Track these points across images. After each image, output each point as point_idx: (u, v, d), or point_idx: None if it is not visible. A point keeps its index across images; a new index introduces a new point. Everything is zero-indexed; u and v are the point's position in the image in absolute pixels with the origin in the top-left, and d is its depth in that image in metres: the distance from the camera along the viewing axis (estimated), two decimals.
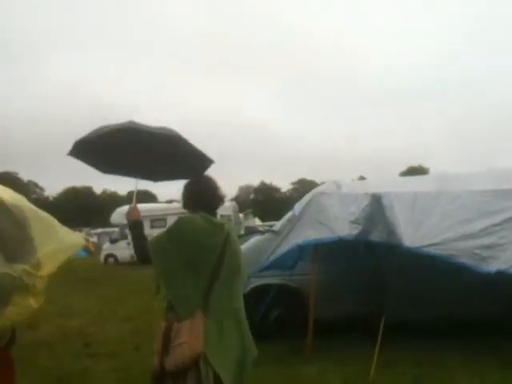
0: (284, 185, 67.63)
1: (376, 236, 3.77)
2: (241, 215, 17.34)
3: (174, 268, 1.77)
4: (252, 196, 65.71)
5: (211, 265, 1.76)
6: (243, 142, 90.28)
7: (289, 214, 4.46)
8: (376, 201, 3.82)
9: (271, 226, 5.56)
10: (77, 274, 11.92)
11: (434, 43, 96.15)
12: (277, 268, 4.23)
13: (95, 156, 2.04)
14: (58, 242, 1.80)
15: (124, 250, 15.24)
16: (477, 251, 3.31)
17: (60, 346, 4.56)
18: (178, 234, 1.79)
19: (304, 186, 49.94)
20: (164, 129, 1.93)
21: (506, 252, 3.27)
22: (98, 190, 62.27)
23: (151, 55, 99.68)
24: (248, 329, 1.88)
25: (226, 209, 14.56)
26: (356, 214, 3.84)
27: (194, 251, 1.76)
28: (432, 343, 4.03)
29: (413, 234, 3.51)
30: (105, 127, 1.90)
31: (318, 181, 41.26)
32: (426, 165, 48.17)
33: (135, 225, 1.91)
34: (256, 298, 4.37)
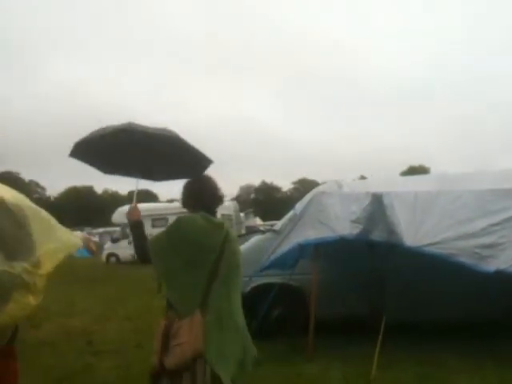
0: (285, 184, 67.74)
1: (377, 235, 3.78)
2: (242, 215, 17.36)
3: (173, 267, 1.79)
4: (253, 195, 65.73)
5: (210, 264, 1.77)
6: (244, 142, 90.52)
7: (290, 214, 4.47)
8: (377, 200, 3.83)
9: (272, 226, 5.58)
10: (79, 273, 11.98)
11: (433, 43, 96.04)
12: (278, 267, 4.25)
13: (96, 157, 2.06)
14: (58, 241, 1.82)
15: (125, 250, 15.28)
16: (477, 250, 3.32)
17: (63, 344, 4.58)
18: (177, 233, 1.81)
19: (305, 186, 49.92)
20: (163, 129, 1.94)
21: (505, 251, 3.28)
22: (98, 189, 62.52)
23: (151, 55, 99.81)
24: (246, 328, 1.89)
25: (227, 208, 14.59)
26: (357, 213, 3.85)
27: (193, 250, 1.78)
28: (432, 343, 4.04)
29: (413, 234, 3.53)
30: (104, 128, 1.93)
31: (318, 180, 41.24)
32: (426, 164, 48.11)
33: (136, 224, 1.93)
34: (257, 297, 4.39)
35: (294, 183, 64.78)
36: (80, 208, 53.74)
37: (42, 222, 1.76)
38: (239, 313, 1.89)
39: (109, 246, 17.37)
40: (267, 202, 57.28)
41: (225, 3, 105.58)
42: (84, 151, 1.98)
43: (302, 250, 4.08)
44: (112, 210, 16.94)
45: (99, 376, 3.56)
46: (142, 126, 1.91)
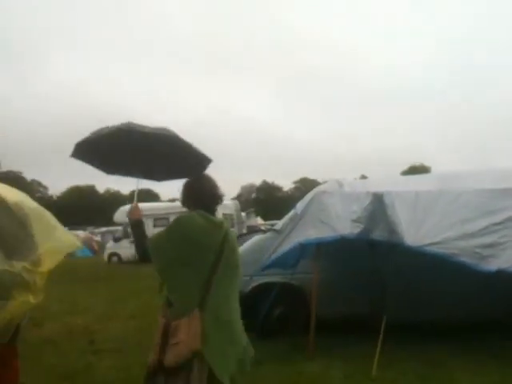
0: (286, 184, 67.73)
1: (377, 235, 3.79)
2: (243, 214, 17.37)
3: (172, 266, 1.81)
4: (254, 195, 65.73)
5: (209, 263, 1.79)
6: (245, 142, 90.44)
7: (291, 213, 4.48)
8: (378, 200, 3.83)
9: (273, 225, 5.59)
10: (81, 272, 12.03)
11: (433, 43, 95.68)
12: (279, 267, 4.25)
13: (97, 157, 2.08)
14: (58, 240, 1.84)
15: (127, 249, 15.31)
16: (478, 250, 3.32)
17: (65, 343, 4.61)
18: (177, 232, 1.82)
19: (306, 185, 49.86)
20: (162, 129, 1.96)
21: (506, 251, 3.28)
22: (100, 188, 62.61)
23: (151, 55, 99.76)
24: (243, 328, 1.90)
25: (229, 208, 14.60)
26: (358, 212, 3.86)
27: (192, 249, 1.79)
28: (433, 343, 4.04)
29: (414, 233, 3.53)
30: (104, 129, 1.94)
31: (319, 180, 41.20)
32: (427, 164, 48.00)
33: (136, 224, 1.95)
34: (259, 296, 4.40)
35: (295, 182, 64.76)
36: (82, 207, 53.85)
37: (43, 222, 1.78)
38: (237, 312, 1.90)
39: (111, 246, 17.40)
40: (268, 201, 57.27)
41: (225, 3, 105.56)
42: (85, 151, 1.99)
43: (303, 249, 4.08)
44: (114, 210, 16.97)
45: (101, 375, 3.58)
46: (142, 126, 1.92)
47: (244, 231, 13.15)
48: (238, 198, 43.41)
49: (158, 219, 14.18)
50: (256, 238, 4.82)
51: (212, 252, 1.80)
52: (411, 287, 4.07)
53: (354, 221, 3.83)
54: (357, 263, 4.22)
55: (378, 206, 3.81)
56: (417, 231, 3.54)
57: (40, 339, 4.65)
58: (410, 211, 3.67)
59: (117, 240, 16.90)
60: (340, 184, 4.34)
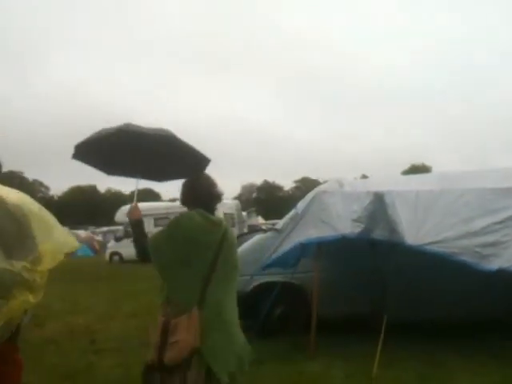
0: (287, 183, 67.77)
1: (378, 234, 3.79)
2: (244, 214, 17.38)
3: (171, 264, 1.82)
4: (255, 195, 65.80)
5: (208, 261, 1.80)
6: (246, 142, 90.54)
7: (291, 213, 4.48)
8: (378, 199, 3.83)
9: (274, 225, 5.60)
10: (83, 272, 12.07)
11: (433, 43, 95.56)
12: (279, 266, 4.26)
13: (97, 158, 2.09)
14: (57, 240, 1.87)
15: (129, 248, 15.27)
16: (478, 249, 3.32)
17: (67, 343, 4.62)
18: (176, 230, 1.84)
19: (307, 185, 49.84)
20: (161, 130, 1.97)
21: (508, 250, 3.28)
22: (102, 188, 62.75)
23: (151, 55, 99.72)
24: (239, 327, 1.91)
25: (230, 207, 14.62)
26: (358, 212, 3.86)
27: (191, 248, 1.80)
28: (433, 342, 4.04)
29: (415, 232, 3.53)
30: (102, 130, 1.95)
31: (320, 179, 41.19)
32: (428, 163, 47.94)
33: (136, 223, 1.97)
34: (260, 295, 4.41)
35: (296, 182, 64.75)
36: (83, 207, 53.98)
37: (43, 222, 1.81)
38: (236, 311, 1.91)
39: (112, 245, 17.43)
40: (269, 200, 57.31)
41: (225, 3, 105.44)
42: (85, 153, 2.01)
43: (304, 248, 4.09)
44: (115, 209, 17.01)
45: (102, 374, 3.59)
46: (140, 127, 1.93)
47: (245, 231, 13.15)
48: (239, 197, 43.44)
49: (158, 219, 14.19)
50: (257, 238, 4.83)
51: (211, 250, 1.82)
52: (412, 286, 4.07)
53: (355, 220, 3.83)
54: (357, 263, 4.22)
55: (378, 205, 3.81)
56: (417, 231, 3.54)
57: (41, 339, 4.67)
58: (411, 211, 3.67)
59: (118, 239, 16.92)
60: (341, 184, 4.35)
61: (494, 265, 3.23)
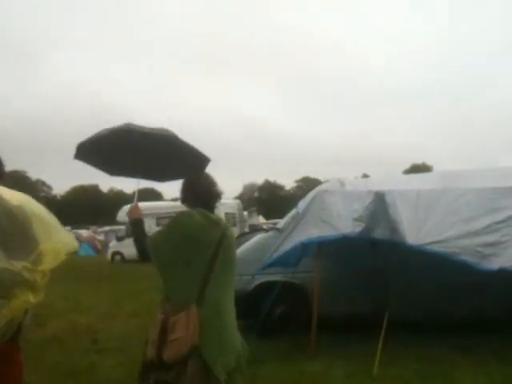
0: (288, 183, 67.70)
1: (379, 234, 3.79)
2: (245, 213, 17.38)
3: (171, 263, 1.84)
4: (256, 194, 65.81)
5: (207, 259, 1.82)
6: (247, 142, 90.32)
7: (292, 212, 4.48)
8: (379, 198, 3.83)
9: (275, 224, 5.60)
10: (85, 271, 12.11)
11: (434, 43, 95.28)
12: (280, 265, 4.27)
13: (99, 158, 2.10)
14: (58, 240, 1.88)
15: (130, 248, 15.21)
16: (479, 249, 3.32)
17: (68, 342, 4.64)
18: (175, 229, 1.86)
19: (308, 184, 49.79)
20: (161, 130, 1.97)
21: (508, 249, 3.28)
22: (104, 188, 62.90)
23: (151, 55, 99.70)
24: (237, 328, 1.92)
25: (231, 207, 14.62)
26: (359, 211, 3.86)
27: (190, 246, 1.82)
28: (434, 341, 4.03)
29: (416, 232, 3.53)
30: (102, 131, 1.96)
31: (321, 179, 41.14)
32: (428, 162, 47.81)
33: (136, 222, 1.99)
34: (261, 295, 4.41)
35: (297, 181, 64.73)
36: (86, 206, 54.13)
37: (44, 223, 1.83)
38: (233, 309, 1.93)
39: (114, 245, 17.47)
40: (270, 200, 57.29)
41: (225, 3, 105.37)
42: (86, 152, 2.01)
43: (305, 248, 4.09)
44: (117, 209, 17.04)
45: (104, 374, 3.61)
46: (140, 126, 1.94)
47: (246, 230, 13.16)
48: (241, 197, 43.43)
49: (160, 218, 14.22)
50: (258, 237, 4.83)
51: (210, 249, 1.83)
52: (413, 286, 4.07)
53: (356, 219, 3.83)
54: (358, 262, 4.22)
55: (379, 204, 3.81)
56: (418, 230, 3.54)
57: (44, 338, 4.69)
58: (412, 210, 3.67)
59: (120, 239, 16.97)
60: (342, 183, 4.35)
61: (495, 264, 3.22)
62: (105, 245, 22.62)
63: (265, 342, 4.10)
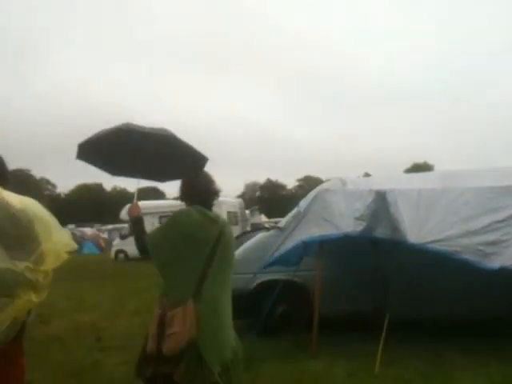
0: (290, 182, 67.60)
1: (380, 232, 3.79)
2: (247, 212, 17.40)
3: (170, 261, 1.87)
4: (258, 193, 65.84)
5: (205, 256, 1.85)
6: (248, 142, 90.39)
7: (294, 211, 4.49)
8: (380, 197, 3.83)
9: (277, 223, 5.61)
10: (88, 269, 12.18)
11: (434, 43, 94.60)
12: (281, 264, 4.28)
13: (99, 158, 2.11)
14: (58, 241, 1.93)
15: (134, 246, 15.10)
16: (480, 248, 3.32)
17: (72, 340, 4.66)
18: (174, 226, 1.89)
19: (309, 183, 49.69)
20: (160, 129, 1.98)
21: (509, 248, 3.28)
22: (108, 186, 63.13)
23: (151, 55, 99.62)
24: (232, 328, 1.95)
25: (233, 206, 14.65)
26: (361, 210, 3.86)
27: (188, 244, 1.85)
28: (435, 340, 4.03)
29: (417, 231, 3.53)
30: (102, 131, 1.98)
31: (323, 178, 41.03)
32: (430, 162, 47.57)
33: (136, 220, 2.01)
34: (262, 293, 4.43)
35: (299, 181, 64.62)
36: (89, 205, 54.39)
37: (45, 224, 1.87)
38: (230, 310, 1.95)
39: (117, 243, 17.56)
40: (272, 199, 57.28)
41: (225, 3, 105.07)
42: (87, 152, 2.03)
43: (306, 247, 4.10)
44: (121, 207, 17.10)
45: (108, 372, 3.63)
46: (140, 126, 1.95)
47: (248, 229, 13.18)
48: (243, 195, 43.48)
49: (163, 217, 14.27)
50: (260, 236, 4.84)
51: (208, 246, 1.86)
52: (414, 285, 4.07)
53: (357, 219, 3.83)
54: (359, 261, 4.23)
55: (380, 203, 3.81)
56: (419, 229, 3.54)
57: (47, 336, 4.71)
58: (413, 209, 3.67)
59: (123, 237, 17.03)
60: (343, 182, 4.34)
61: (496, 263, 3.22)
62: (108, 243, 22.75)
63: (266, 340, 4.12)
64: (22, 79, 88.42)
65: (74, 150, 2.04)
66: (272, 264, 4.24)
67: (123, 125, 1.94)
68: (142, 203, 14.57)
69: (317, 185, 4.83)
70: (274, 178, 66.17)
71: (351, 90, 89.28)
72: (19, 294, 1.70)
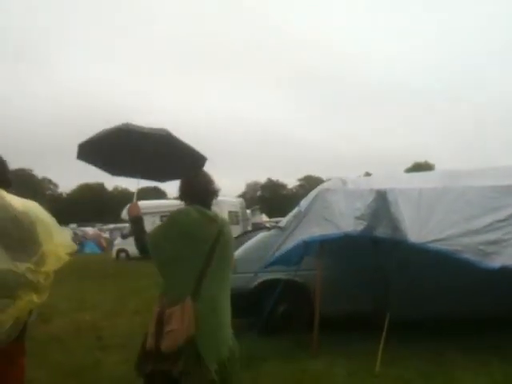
0: (290, 181, 67.62)
1: (381, 232, 3.79)
2: (248, 211, 17.41)
3: (170, 261, 1.87)
4: (259, 193, 65.88)
5: (204, 254, 1.86)
6: (250, 141, 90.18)
7: (295, 211, 4.49)
8: (381, 197, 3.83)
9: (278, 222, 5.61)
10: (89, 269, 12.21)
11: (434, 43, 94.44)
12: (282, 264, 4.28)
13: (100, 158, 2.12)
14: (59, 242, 1.94)
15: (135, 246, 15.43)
16: (481, 247, 3.32)
17: (73, 339, 4.67)
18: (173, 225, 1.90)
19: (310, 183, 49.69)
20: (159, 129, 1.99)
21: (510, 248, 3.27)
22: (109, 186, 63.25)
23: (151, 55, 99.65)
24: (230, 328, 1.96)
25: (234, 205, 14.67)
26: (361, 210, 3.86)
27: (187, 243, 1.85)
28: (436, 340, 4.03)
29: (418, 230, 3.52)
30: (102, 131, 1.98)
31: (323, 177, 41.01)
32: (431, 161, 47.48)
33: (135, 220, 2.02)
34: (263, 292, 4.43)
35: (300, 180, 64.62)
36: (91, 204, 54.53)
37: (46, 226, 1.89)
38: (229, 310, 1.96)
39: (119, 242, 17.61)
40: (273, 198, 57.33)
41: (225, 3, 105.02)
42: (88, 152, 2.04)
43: (307, 246, 4.10)
44: (122, 207, 17.12)
45: (108, 371, 3.63)
46: (139, 127, 1.95)
47: (249, 228, 13.19)
48: (244, 195, 43.50)
49: (164, 216, 14.28)
50: (261, 236, 4.85)
51: (206, 244, 1.87)
52: (414, 284, 4.07)
53: (358, 218, 3.83)
54: (360, 260, 4.23)
55: (381, 203, 3.81)
56: (420, 228, 3.54)
57: (48, 336, 4.72)
58: (414, 208, 3.66)
59: (125, 237, 17.09)
60: (343, 181, 4.34)
61: (497, 262, 3.22)
62: (110, 242, 22.82)
63: (267, 339, 4.12)
64: (21, 79, 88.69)
65: (75, 150, 2.05)
66: (273, 263, 4.24)
67: (123, 125, 1.95)
68: (143, 203, 14.64)
69: (317, 184, 4.83)
70: (274, 178, 66.28)
71: (351, 89, 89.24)
72: (20, 294, 1.72)
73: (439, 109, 79.30)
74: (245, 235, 5.83)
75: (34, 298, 1.78)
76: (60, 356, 4.03)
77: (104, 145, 2.00)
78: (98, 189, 60.58)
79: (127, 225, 18.08)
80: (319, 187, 4.44)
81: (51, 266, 1.85)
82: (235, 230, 10.55)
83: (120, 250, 17.17)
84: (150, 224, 2.08)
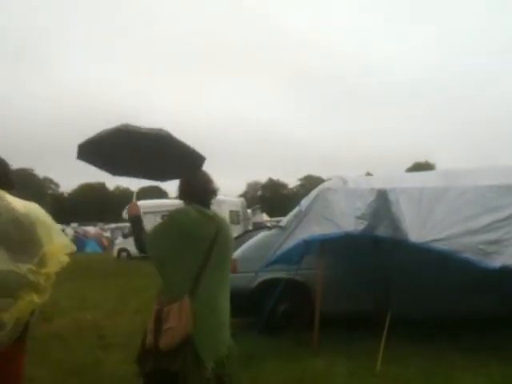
0: (291, 181, 67.60)
1: (382, 231, 3.80)
2: (249, 211, 17.44)
3: (169, 260, 1.88)
4: (260, 192, 65.90)
5: (202, 253, 1.87)
6: (250, 141, 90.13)
7: (295, 210, 4.50)
8: (382, 196, 3.83)
9: (278, 222, 5.62)
10: (91, 268, 12.25)
11: (434, 43, 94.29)
12: (283, 263, 4.29)
13: (100, 158, 2.13)
14: (59, 243, 1.97)
15: None
16: (482, 247, 3.32)
17: (74, 338, 4.68)
18: (171, 226, 1.91)
19: (311, 182, 49.61)
20: (157, 129, 1.99)
21: (510, 247, 3.28)
22: (110, 185, 63.32)
23: (151, 55, 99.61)
24: (229, 328, 1.97)
25: (235, 205, 14.69)
26: (362, 209, 3.86)
27: (186, 241, 1.87)
28: (436, 339, 4.04)
29: (418, 230, 3.53)
30: (102, 131, 1.99)
31: (324, 177, 40.95)
32: (432, 161, 47.38)
33: (135, 219, 2.04)
34: (264, 292, 4.44)
35: (300, 180, 64.58)
36: (92, 204, 54.61)
37: (47, 227, 1.92)
38: (228, 310, 1.97)
39: (120, 242, 17.65)
40: (274, 198, 57.34)
41: (225, 3, 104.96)
42: (88, 152, 2.05)
43: (308, 245, 4.11)
44: (123, 206, 17.13)
45: (109, 370, 3.64)
46: (137, 127, 1.96)
47: (250, 228, 13.21)
48: (244, 195, 43.50)
49: (165, 216, 14.29)
50: (261, 235, 4.86)
51: (204, 243, 1.88)
52: (415, 284, 4.08)
53: (358, 217, 3.83)
54: (361, 260, 4.23)
55: (382, 202, 3.81)
56: (421, 228, 3.54)
57: (49, 334, 4.72)
58: (415, 208, 3.67)
59: (126, 236, 17.11)
60: (344, 181, 4.35)
61: (497, 262, 3.22)
62: (111, 242, 22.87)
63: (268, 338, 4.13)
64: (21, 79, 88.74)
65: (75, 150, 2.06)
66: (274, 263, 4.25)
67: (122, 125, 1.95)
68: (145, 202, 14.65)
69: (318, 184, 4.83)
70: (275, 178, 66.28)
71: (351, 89, 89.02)
72: (22, 295, 1.74)
73: (439, 109, 79.42)
74: (246, 234, 5.84)
75: (35, 298, 1.80)
76: (61, 354, 4.04)
77: (104, 145, 2.01)
78: (100, 188, 60.65)
79: (128, 224, 18.09)
80: (320, 186, 4.44)
81: (52, 267, 1.87)
82: (236, 230, 10.55)
83: (121, 250, 17.21)
84: (151, 223, 2.10)
